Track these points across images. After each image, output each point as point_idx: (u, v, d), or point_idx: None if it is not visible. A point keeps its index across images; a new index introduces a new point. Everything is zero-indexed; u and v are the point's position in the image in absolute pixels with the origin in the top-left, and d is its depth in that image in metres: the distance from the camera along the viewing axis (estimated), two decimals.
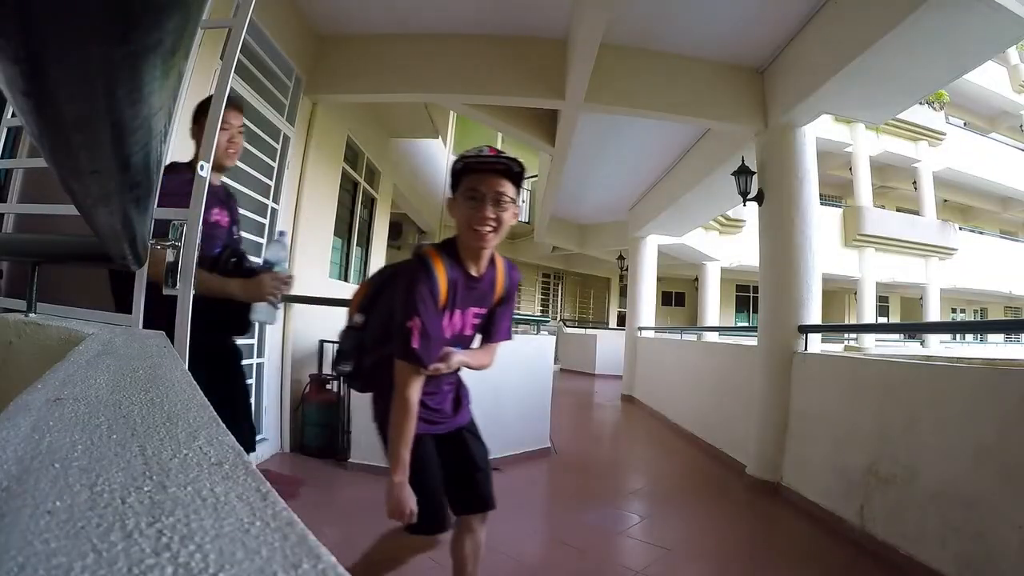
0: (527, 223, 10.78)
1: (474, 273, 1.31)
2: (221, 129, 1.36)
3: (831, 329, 6.53)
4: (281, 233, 1.75)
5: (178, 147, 2.19)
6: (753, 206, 3.74)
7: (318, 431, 3.40)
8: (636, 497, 3.20)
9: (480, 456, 1.49)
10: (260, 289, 1.54)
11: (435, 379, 1.36)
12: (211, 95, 1.35)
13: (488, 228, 1.23)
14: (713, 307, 10.06)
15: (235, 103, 1.62)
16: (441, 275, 1.24)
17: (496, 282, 1.39)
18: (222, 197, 1.75)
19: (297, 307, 3.62)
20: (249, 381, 3.14)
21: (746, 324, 13.74)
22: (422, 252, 1.28)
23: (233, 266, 1.62)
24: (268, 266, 1.61)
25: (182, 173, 1.39)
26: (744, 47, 3.58)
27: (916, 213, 12.13)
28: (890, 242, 11.34)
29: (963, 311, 15.85)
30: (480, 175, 1.23)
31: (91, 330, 1.06)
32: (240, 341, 3.10)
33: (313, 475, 3.00)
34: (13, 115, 1.80)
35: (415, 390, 1.24)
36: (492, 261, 1.37)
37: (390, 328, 1.27)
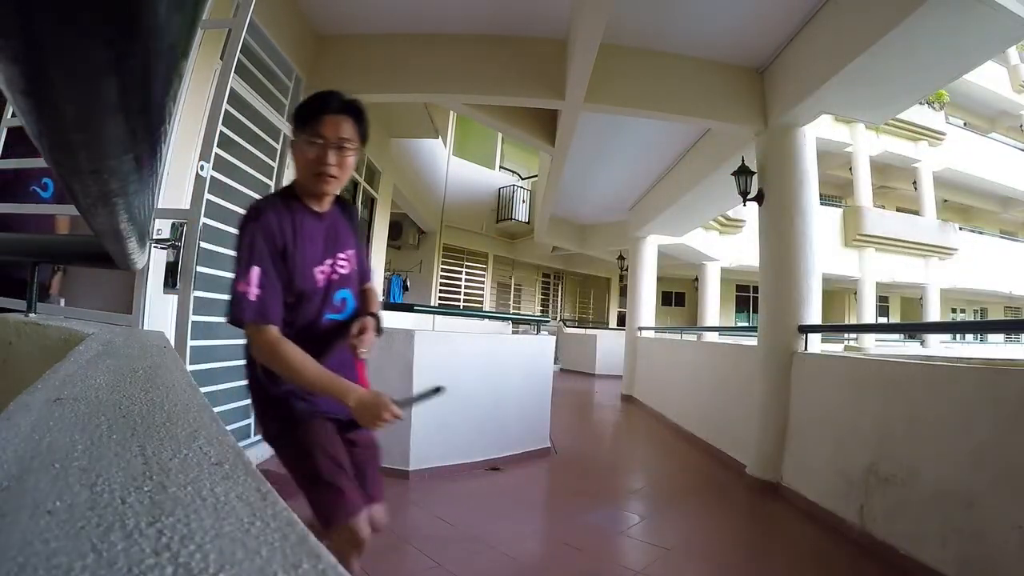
0: (527, 223, 10.78)
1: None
2: (310, 143, 1.14)
3: (831, 329, 6.53)
4: (437, 390, 1.18)
5: (178, 146, 2.19)
6: (753, 206, 3.74)
7: None
8: (636, 497, 3.20)
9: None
10: (367, 414, 1.07)
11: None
12: (318, 93, 1.17)
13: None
14: (713, 307, 10.05)
15: (343, 107, 1.18)
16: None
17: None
18: (332, 230, 1.28)
19: None
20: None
21: (746, 324, 13.73)
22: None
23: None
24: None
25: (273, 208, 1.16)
26: (744, 47, 3.58)
27: (916, 213, 12.12)
28: (890, 242, 11.33)
29: (963, 311, 15.84)
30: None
31: (91, 330, 1.06)
32: (239, 341, 3.11)
33: None
34: (13, 115, 1.80)
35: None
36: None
37: None
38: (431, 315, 6.08)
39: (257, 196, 3.14)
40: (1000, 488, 1.82)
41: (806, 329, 3.29)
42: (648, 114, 3.83)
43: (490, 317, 8.49)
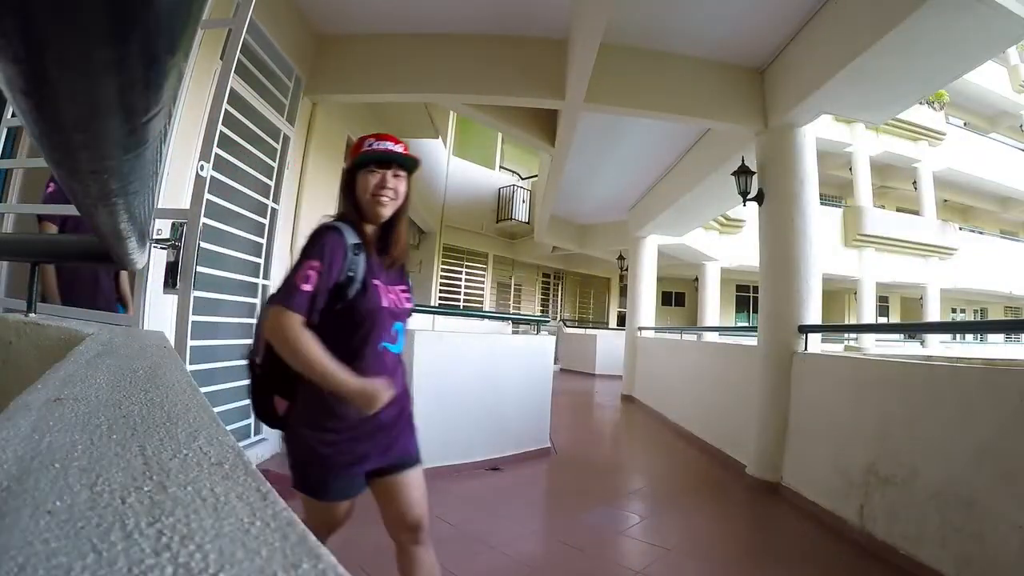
0: (527, 223, 10.78)
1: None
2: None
3: (831, 329, 6.52)
4: None
5: (178, 146, 2.19)
6: (753, 206, 3.74)
7: None
8: (636, 497, 3.20)
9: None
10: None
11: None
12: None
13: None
14: (713, 307, 10.05)
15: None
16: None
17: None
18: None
19: None
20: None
21: (746, 324, 13.73)
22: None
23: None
24: None
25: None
26: (744, 47, 3.58)
27: (916, 213, 12.12)
28: (890, 242, 11.33)
29: (963, 311, 15.84)
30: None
31: (91, 330, 1.06)
32: (239, 341, 3.11)
33: None
34: (13, 115, 1.80)
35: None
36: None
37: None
38: (431, 315, 6.08)
39: (258, 196, 3.16)
40: (1000, 488, 1.82)
41: (806, 329, 3.29)
42: (648, 114, 3.83)
43: (490, 317, 8.49)
